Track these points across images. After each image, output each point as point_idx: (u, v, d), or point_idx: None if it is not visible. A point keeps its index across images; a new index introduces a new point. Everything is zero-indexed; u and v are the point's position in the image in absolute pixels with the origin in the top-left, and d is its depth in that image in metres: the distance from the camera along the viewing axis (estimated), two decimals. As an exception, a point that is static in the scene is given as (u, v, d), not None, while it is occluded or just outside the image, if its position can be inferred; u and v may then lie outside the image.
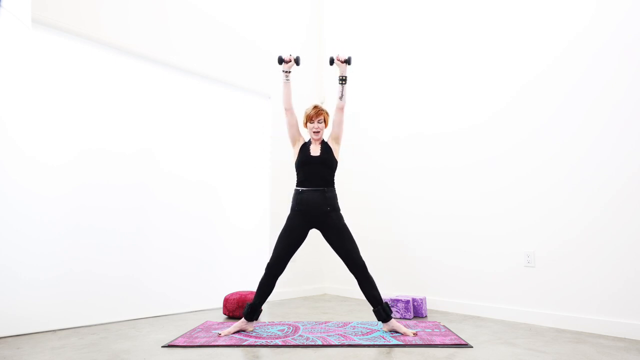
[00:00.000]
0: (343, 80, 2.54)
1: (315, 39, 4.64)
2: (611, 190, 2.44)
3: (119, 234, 2.91)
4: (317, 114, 2.57)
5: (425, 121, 3.49)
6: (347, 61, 2.51)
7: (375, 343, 2.14)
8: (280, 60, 2.53)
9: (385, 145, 3.80)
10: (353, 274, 2.45)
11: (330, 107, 4.35)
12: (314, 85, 4.52)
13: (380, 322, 2.58)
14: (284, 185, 3.73)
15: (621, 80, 2.44)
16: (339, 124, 2.59)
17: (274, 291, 3.71)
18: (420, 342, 2.15)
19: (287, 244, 2.48)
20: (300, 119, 2.66)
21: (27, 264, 2.50)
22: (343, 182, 3.74)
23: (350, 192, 3.91)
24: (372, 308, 2.45)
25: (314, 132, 2.57)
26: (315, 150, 2.55)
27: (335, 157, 2.58)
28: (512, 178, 2.88)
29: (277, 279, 2.48)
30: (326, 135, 2.67)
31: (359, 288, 2.47)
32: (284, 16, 4.32)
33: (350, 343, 2.14)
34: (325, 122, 2.62)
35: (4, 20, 1.87)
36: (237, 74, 3.79)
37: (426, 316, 2.98)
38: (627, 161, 2.39)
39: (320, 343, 2.14)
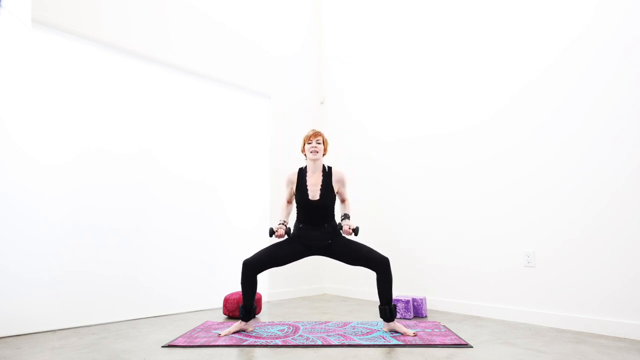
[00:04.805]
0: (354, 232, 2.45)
1: (315, 39, 4.64)
2: (611, 190, 2.43)
3: (119, 234, 2.91)
4: (315, 135, 2.54)
5: (424, 122, 3.49)
6: (355, 231, 2.41)
7: (375, 343, 2.14)
8: (271, 233, 2.45)
9: (384, 145, 3.80)
10: (375, 271, 2.41)
11: (329, 106, 4.41)
12: (314, 86, 4.52)
13: (380, 322, 2.59)
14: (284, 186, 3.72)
15: (621, 80, 2.44)
16: (342, 194, 2.62)
17: (274, 291, 3.77)
18: (420, 342, 2.15)
19: (277, 257, 2.48)
20: (297, 146, 2.58)
21: (27, 264, 2.50)
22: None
23: (351, 193, 3.90)
24: (378, 304, 2.43)
25: (311, 152, 2.51)
26: (314, 192, 2.49)
27: (335, 192, 2.54)
28: (512, 178, 2.88)
29: (256, 275, 2.46)
30: (332, 161, 2.60)
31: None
32: (284, 16, 4.32)
33: (350, 343, 2.14)
34: (324, 144, 2.57)
35: (4, 20, 1.87)
36: (237, 74, 3.79)
37: (426, 316, 2.98)
38: (627, 161, 2.39)
39: (320, 343, 2.14)
